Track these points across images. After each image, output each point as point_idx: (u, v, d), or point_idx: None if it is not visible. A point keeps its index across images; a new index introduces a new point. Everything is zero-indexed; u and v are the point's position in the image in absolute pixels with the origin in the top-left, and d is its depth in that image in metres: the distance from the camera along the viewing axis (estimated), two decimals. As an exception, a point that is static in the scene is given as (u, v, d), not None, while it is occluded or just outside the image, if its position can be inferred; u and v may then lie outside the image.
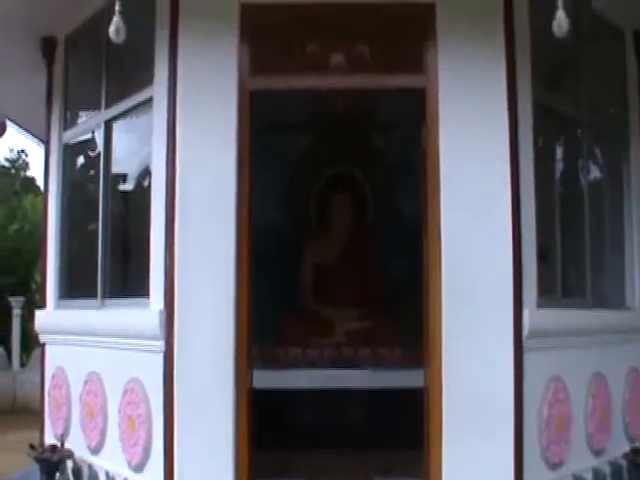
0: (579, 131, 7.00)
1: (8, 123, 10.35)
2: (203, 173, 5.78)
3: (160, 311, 5.75)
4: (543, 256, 6.11)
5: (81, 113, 7.63)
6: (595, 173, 7.60)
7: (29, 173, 25.69)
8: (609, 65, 7.67)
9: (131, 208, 7.52)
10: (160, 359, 5.78)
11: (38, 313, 7.71)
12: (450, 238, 5.69)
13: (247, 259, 5.80)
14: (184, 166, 5.78)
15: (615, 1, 6.97)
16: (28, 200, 17.74)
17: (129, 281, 7.00)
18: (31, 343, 13.23)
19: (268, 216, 8.43)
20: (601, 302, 6.89)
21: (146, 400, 5.95)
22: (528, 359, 5.70)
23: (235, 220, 5.75)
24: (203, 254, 5.75)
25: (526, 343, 5.69)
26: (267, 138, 8.38)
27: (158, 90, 6.01)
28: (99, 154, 7.00)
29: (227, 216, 5.75)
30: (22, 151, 25.81)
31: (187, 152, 5.79)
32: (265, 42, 5.92)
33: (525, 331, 5.67)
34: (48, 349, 7.57)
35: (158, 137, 5.99)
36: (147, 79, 6.16)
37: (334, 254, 8.45)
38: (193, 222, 5.77)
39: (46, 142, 7.95)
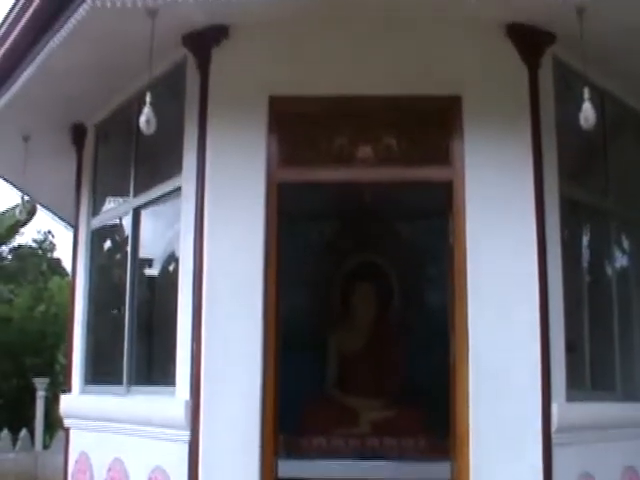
0: (606, 221, 7.00)
1: (37, 206, 10.53)
2: (230, 263, 5.80)
3: (186, 401, 5.72)
4: (571, 348, 6.04)
5: (109, 199, 7.72)
6: (622, 262, 7.57)
7: (55, 254, 25.95)
8: (635, 153, 7.69)
9: (157, 293, 7.52)
10: (185, 448, 5.73)
11: (63, 398, 7.71)
12: (477, 333, 5.65)
13: (273, 349, 5.79)
14: (211, 256, 5.80)
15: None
16: (54, 282, 17.88)
17: (155, 368, 6.98)
18: (54, 425, 13.19)
19: (293, 304, 8.43)
20: (631, 394, 6.81)
21: (170, 489, 5.90)
22: (557, 454, 5.60)
23: (262, 310, 5.75)
24: (230, 343, 5.74)
25: (555, 437, 5.60)
26: (293, 226, 8.48)
27: (186, 180, 6.07)
28: (127, 240, 7.06)
29: (254, 306, 5.75)
30: (49, 232, 26.10)
31: (215, 243, 5.81)
32: (293, 134, 5.99)
33: (554, 425, 5.59)
34: (72, 434, 7.54)
35: (186, 227, 6.04)
36: (176, 168, 6.24)
37: (359, 343, 8.38)
38: (220, 311, 5.77)
39: (74, 227, 8.05)
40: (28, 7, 5.85)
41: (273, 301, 5.81)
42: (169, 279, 6.62)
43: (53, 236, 26.23)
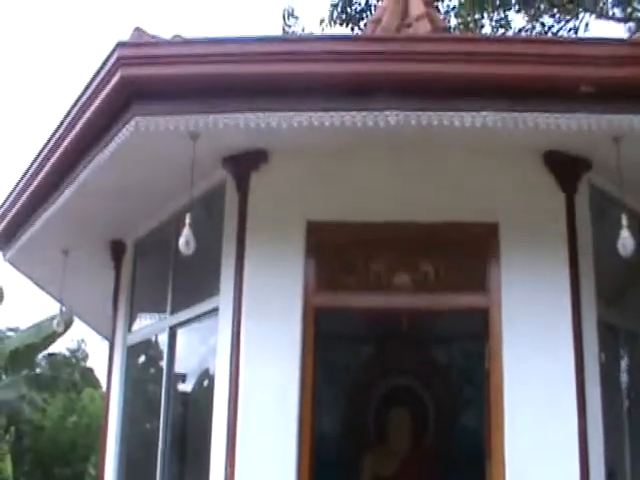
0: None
1: (74, 317, 10.62)
2: (266, 385, 5.79)
3: (219, 523, 5.64)
4: (613, 476, 5.91)
5: (146, 315, 7.77)
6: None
7: (89, 363, 26.01)
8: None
9: (190, 409, 7.51)
10: None
11: (95, 512, 7.64)
12: (514, 461, 5.55)
13: (308, 472, 5.71)
14: (247, 379, 5.80)
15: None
16: (87, 393, 17.89)
17: (189, 484, 6.93)
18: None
19: (329, 426, 8.38)
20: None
21: None
22: None
23: (297, 433, 5.70)
24: (264, 464, 5.68)
25: None
26: (329, 348, 8.46)
27: (224, 301, 6.11)
28: (162, 356, 7.08)
29: (289, 428, 5.71)
30: (82, 341, 26.23)
31: (251, 366, 5.82)
32: (330, 259, 6.05)
33: None
34: None
35: (222, 348, 6.03)
36: (213, 289, 6.28)
37: (393, 467, 8.25)
38: (255, 433, 5.73)
39: (110, 342, 8.09)
40: (74, 126, 6.00)
41: (308, 424, 5.77)
42: (203, 396, 6.62)
43: (86, 344, 26.38)
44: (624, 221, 5.25)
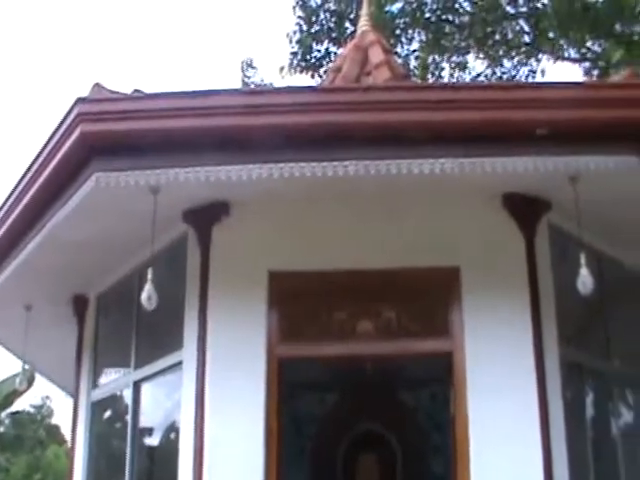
0: (607, 380, 7.01)
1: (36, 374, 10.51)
2: (231, 439, 5.78)
3: None
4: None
5: (110, 370, 7.73)
6: (627, 420, 7.52)
7: (54, 420, 25.60)
8: (636, 312, 7.74)
9: (156, 463, 7.44)
10: None
11: None
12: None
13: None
14: (212, 433, 5.79)
15: (636, 249, 7.11)
16: (52, 450, 17.61)
17: None
18: None
19: (297, 476, 8.33)
20: None
21: None
22: None
23: (264, 483, 5.69)
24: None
25: None
26: (295, 398, 8.46)
27: (187, 355, 6.11)
28: (127, 411, 7.02)
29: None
30: (47, 397, 25.83)
31: (215, 418, 5.81)
32: (293, 309, 6.08)
33: None
34: None
35: (186, 401, 6.03)
36: (177, 342, 6.28)
37: (364, 514, 8.29)
38: (222, 486, 5.70)
39: (74, 398, 8.02)
40: (35, 181, 6.00)
41: (274, 475, 5.75)
42: (169, 449, 6.55)
43: (51, 401, 25.99)
44: (583, 260, 5.34)
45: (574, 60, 16.59)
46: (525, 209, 6.09)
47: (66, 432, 10.84)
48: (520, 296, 5.94)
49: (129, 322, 7.04)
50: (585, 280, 5.30)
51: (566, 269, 5.85)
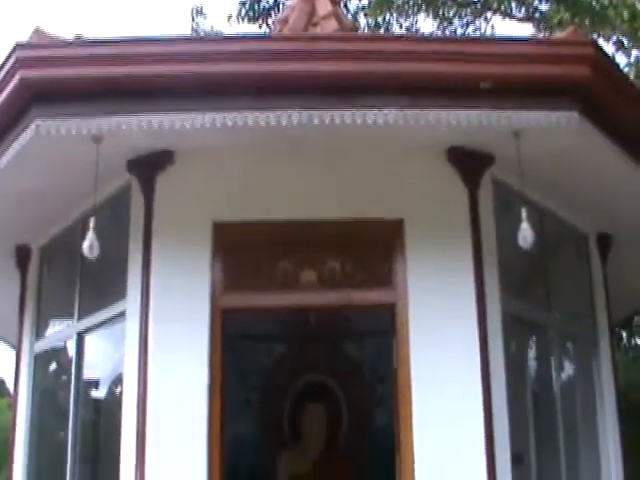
0: (548, 333, 7.08)
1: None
2: (175, 388, 5.76)
3: (130, 528, 5.59)
4: (518, 462, 6.03)
5: (54, 321, 7.66)
6: (567, 373, 7.68)
7: (-1, 375, 25.32)
8: (575, 268, 7.86)
9: (102, 415, 7.41)
10: None
11: (1, 528, 7.48)
12: (423, 453, 5.65)
13: (219, 472, 5.69)
14: (156, 382, 5.76)
15: (577, 207, 7.22)
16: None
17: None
18: None
19: (241, 425, 8.35)
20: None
21: None
22: None
23: (207, 433, 5.68)
24: (174, 468, 5.64)
25: None
26: (239, 348, 8.45)
27: (131, 305, 6.06)
28: (70, 361, 6.95)
29: (199, 429, 5.69)
30: (-10, 351, 25.51)
31: (159, 368, 5.78)
32: (237, 259, 6.04)
33: None
34: None
35: (130, 351, 5.99)
36: (120, 293, 6.22)
37: (308, 465, 8.31)
38: (164, 435, 5.70)
39: (17, 350, 7.94)
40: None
41: (218, 423, 5.76)
42: (114, 401, 6.54)
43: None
44: (524, 214, 5.38)
45: (522, 19, 16.61)
46: (469, 163, 6.11)
47: (11, 386, 10.73)
48: (463, 249, 5.97)
49: (72, 273, 6.96)
50: (526, 234, 5.34)
51: (508, 223, 5.89)
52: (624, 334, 14.03)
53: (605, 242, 7.94)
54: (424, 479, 5.60)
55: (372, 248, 6.09)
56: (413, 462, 5.64)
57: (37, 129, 5.36)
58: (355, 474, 8.28)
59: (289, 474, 8.33)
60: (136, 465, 5.71)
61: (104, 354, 7.23)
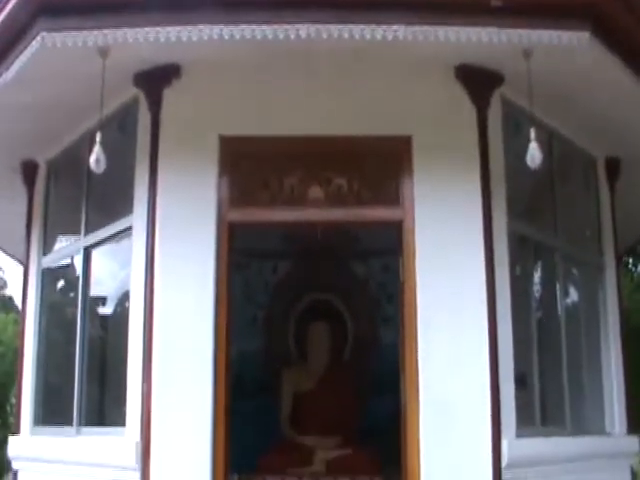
0: (555, 257, 7.10)
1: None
2: (181, 303, 5.81)
3: (136, 442, 5.68)
4: (521, 384, 6.13)
5: (61, 237, 7.69)
6: (572, 298, 7.72)
7: (8, 292, 25.41)
8: (583, 191, 7.86)
9: (110, 332, 7.52)
10: (136, 491, 5.69)
11: (12, 439, 7.60)
12: (427, 370, 5.71)
13: (224, 389, 5.78)
14: (162, 297, 5.81)
15: (587, 130, 7.19)
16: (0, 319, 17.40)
17: (106, 408, 6.96)
18: (4, 468, 12.90)
19: (246, 344, 8.43)
20: (581, 428, 6.89)
21: (121, 532, 5.83)
22: (508, 490, 5.63)
23: (213, 349, 5.75)
24: (180, 383, 5.73)
25: (505, 473, 5.63)
26: (246, 265, 8.49)
27: (137, 220, 6.09)
28: (78, 278, 7.02)
29: (205, 345, 5.75)
30: (-1, 268, 25.61)
31: (165, 282, 5.83)
32: (244, 174, 6.04)
33: (504, 461, 5.62)
34: (21, 477, 7.42)
35: (136, 266, 6.04)
36: (127, 208, 6.25)
37: (313, 382, 8.38)
38: (171, 351, 5.77)
39: (25, 265, 8.00)
40: (-23, 44, 5.82)
41: (224, 339, 5.82)
42: (122, 318, 6.57)
43: (4, 272, 25.81)
44: (532, 134, 5.35)
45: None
46: (478, 81, 6.06)
47: (19, 302, 10.84)
48: (471, 167, 5.95)
49: (79, 188, 6.98)
50: (534, 154, 5.29)
51: (517, 144, 5.86)
52: (630, 260, 14.06)
53: (614, 166, 7.92)
54: (429, 398, 5.67)
55: (380, 165, 6.05)
56: (417, 381, 5.70)
57: (43, 42, 5.30)
58: (360, 392, 8.38)
59: (294, 390, 8.43)
60: (143, 380, 5.79)
61: (111, 271, 7.30)
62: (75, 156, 7.06)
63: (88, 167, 5.41)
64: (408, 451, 5.73)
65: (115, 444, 5.99)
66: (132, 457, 5.68)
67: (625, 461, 7.47)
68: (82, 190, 6.97)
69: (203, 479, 5.60)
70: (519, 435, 5.86)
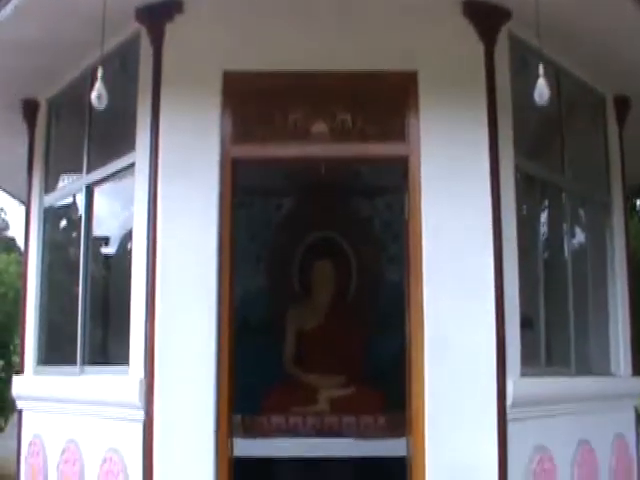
0: (562, 197, 7.07)
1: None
2: (184, 241, 5.80)
3: (140, 380, 5.71)
4: (527, 324, 6.13)
5: (63, 176, 7.66)
6: (579, 238, 7.69)
7: (10, 233, 25.49)
8: (591, 130, 7.79)
9: (113, 271, 7.53)
10: (140, 428, 5.74)
11: (15, 379, 7.66)
12: (432, 309, 5.70)
13: (228, 327, 5.79)
14: (165, 234, 5.80)
15: (596, 67, 7.11)
16: (1, 260, 17.36)
17: (110, 347, 6.99)
18: (8, 408, 13.03)
19: (250, 282, 8.45)
20: (585, 369, 6.92)
21: (124, 470, 5.88)
22: (512, 429, 5.67)
23: (216, 288, 5.75)
24: (184, 322, 5.74)
25: (510, 413, 5.67)
26: (249, 204, 8.47)
27: (140, 157, 6.05)
28: (80, 218, 7.02)
29: (208, 284, 5.75)
30: (1, 209, 25.67)
31: (168, 220, 5.81)
32: (248, 110, 5.98)
33: (509, 400, 5.65)
34: (25, 416, 7.49)
35: (139, 204, 6.02)
36: (129, 145, 6.21)
37: (317, 321, 8.45)
38: (174, 290, 5.77)
39: (27, 205, 7.98)
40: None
41: (228, 278, 5.81)
42: (126, 257, 6.58)
43: (6, 214, 25.89)
44: (541, 70, 5.27)
45: None
46: (485, 17, 5.96)
47: (21, 243, 10.87)
48: (477, 104, 5.88)
49: (81, 126, 6.92)
50: (542, 90, 5.16)
51: (524, 81, 5.75)
52: (638, 202, 14.00)
53: (623, 105, 7.83)
54: (434, 337, 5.68)
55: (385, 100, 5.98)
56: (423, 320, 5.70)
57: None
58: (364, 331, 8.42)
59: (298, 329, 8.49)
60: (146, 320, 5.81)
61: (114, 211, 7.27)
62: (76, 94, 6.99)
63: (90, 104, 5.31)
64: (412, 390, 5.75)
65: (119, 382, 6.02)
66: (136, 395, 5.70)
67: (629, 402, 7.51)
68: (84, 128, 6.91)
69: (206, 418, 5.64)
70: (524, 374, 5.88)
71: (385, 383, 7.40)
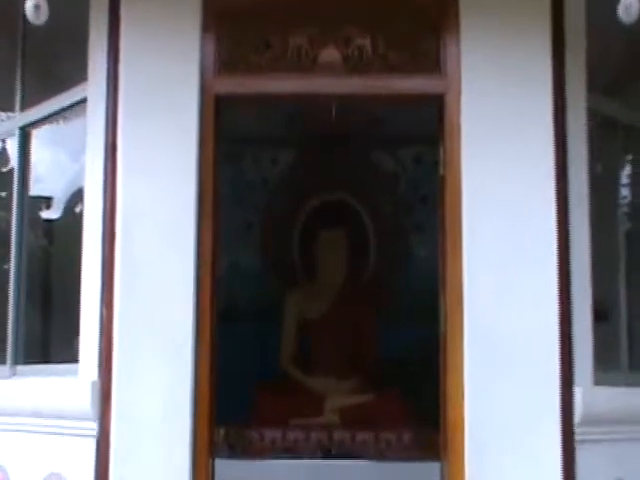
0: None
1: None
2: (153, 201, 5.82)
3: (93, 382, 5.77)
4: (602, 316, 6.15)
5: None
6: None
7: None
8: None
9: (57, 242, 7.62)
10: (91, 446, 5.78)
11: None
12: (475, 294, 5.71)
13: (209, 314, 5.85)
14: (128, 191, 5.83)
15: None
16: None
17: (52, 341, 7.07)
18: None
19: (238, 256, 8.49)
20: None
21: (70, 504, 5.91)
22: (581, 454, 5.69)
23: (194, 264, 5.79)
24: (151, 307, 5.78)
25: (578, 432, 5.69)
26: (237, 154, 8.46)
27: (94, 90, 6.08)
28: (12, 171, 7.09)
29: (184, 258, 5.79)
30: None
31: (132, 173, 5.84)
32: (236, 33, 6.01)
33: (577, 417, 5.68)
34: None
35: (93, 153, 6.06)
36: (79, 75, 6.22)
37: (324, 308, 8.46)
38: (138, 265, 5.80)
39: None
40: None
41: (209, 252, 5.86)
42: (73, 224, 6.61)
43: None
44: (628, -22, 5.28)
45: None
46: None
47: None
48: (539, 25, 5.87)
49: (12, 48, 6.99)
50: (630, 4, 5.04)
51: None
52: None
53: None
54: (477, 331, 5.68)
55: (415, 21, 6.03)
56: (462, 308, 5.71)
57: None
58: (383, 322, 8.44)
59: (299, 318, 8.52)
60: (102, 303, 5.89)
61: (58, 162, 7.31)
62: (6, 7, 6.99)
63: (24, 18, 5.40)
64: (448, 399, 5.80)
65: (64, 386, 6.06)
66: (87, 402, 5.75)
67: None
68: (16, 51, 6.97)
69: (180, 432, 5.68)
70: (598, 382, 5.90)
71: (411, 389, 7.45)
